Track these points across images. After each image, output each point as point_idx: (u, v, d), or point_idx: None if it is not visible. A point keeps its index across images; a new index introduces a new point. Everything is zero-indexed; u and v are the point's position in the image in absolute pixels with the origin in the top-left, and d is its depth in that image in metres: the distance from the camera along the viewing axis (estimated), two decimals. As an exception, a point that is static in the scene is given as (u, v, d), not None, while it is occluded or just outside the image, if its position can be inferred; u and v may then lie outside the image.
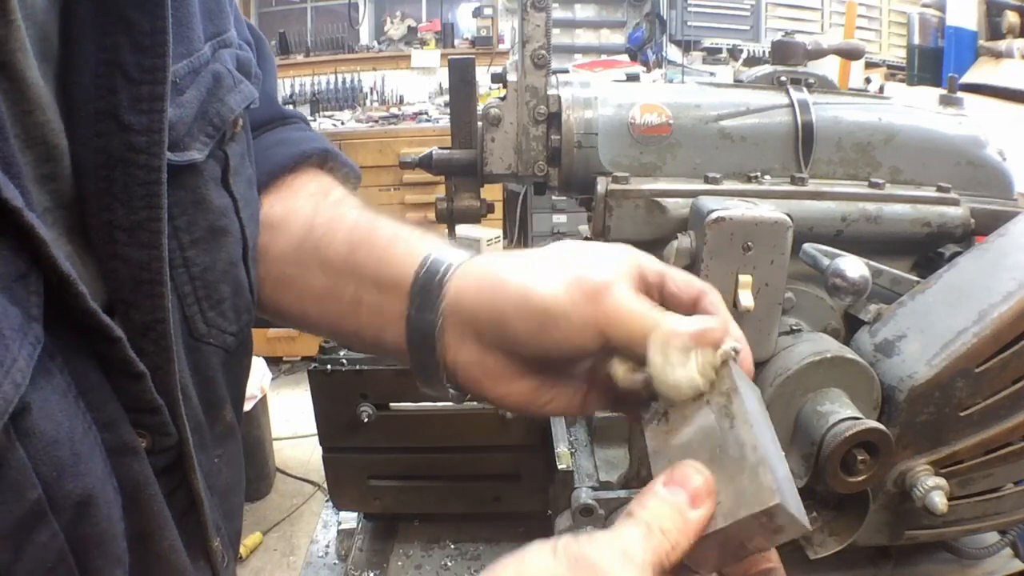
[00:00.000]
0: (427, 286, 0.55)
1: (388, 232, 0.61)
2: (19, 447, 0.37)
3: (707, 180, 0.82)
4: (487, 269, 0.55)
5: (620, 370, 0.51)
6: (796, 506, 0.42)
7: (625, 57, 4.56)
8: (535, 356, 0.54)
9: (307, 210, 0.65)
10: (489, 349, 0.55)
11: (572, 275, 0.51)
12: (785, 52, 0.92)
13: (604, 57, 4.49)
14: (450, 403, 1.04)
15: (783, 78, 0.89)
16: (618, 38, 4.81)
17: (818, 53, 0.96)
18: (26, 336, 0.36)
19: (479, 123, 0.89)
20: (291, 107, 4.75)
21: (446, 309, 0.55)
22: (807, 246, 0.78)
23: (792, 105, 0.86)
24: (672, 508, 0.42)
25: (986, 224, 0.83)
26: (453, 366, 0.56)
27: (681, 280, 0.52)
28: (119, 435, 0.45)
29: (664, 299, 0.52)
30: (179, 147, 0.49)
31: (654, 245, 0.81)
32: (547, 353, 0.53)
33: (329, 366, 1.01)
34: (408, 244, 0.59)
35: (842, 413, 0.69)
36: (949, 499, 0.71)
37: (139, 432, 0.47)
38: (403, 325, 0.57)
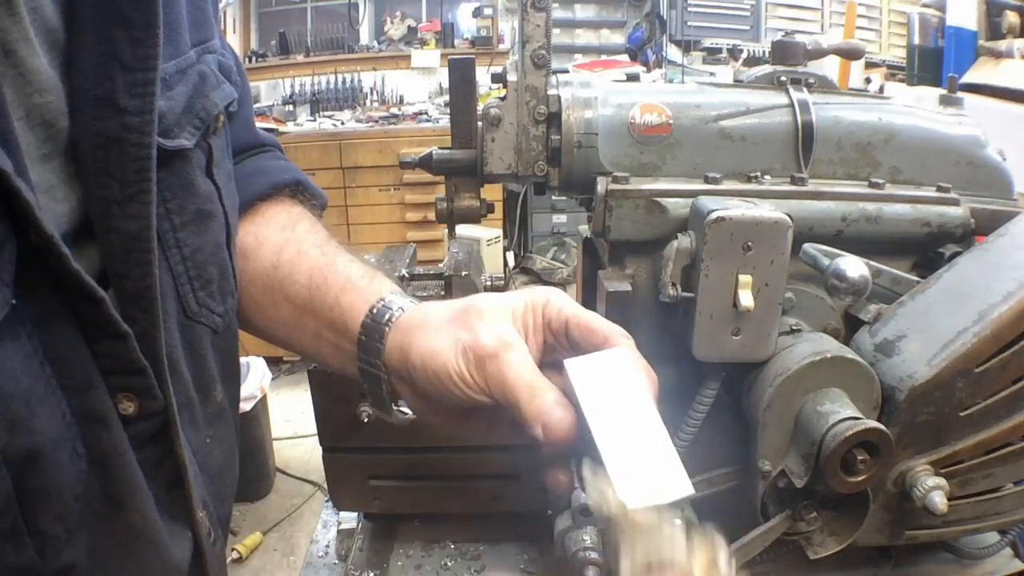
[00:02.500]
0: (369, 343, 0.62)
1: (340, 279, 0.67)
2: None
3: (707, 180, 0.82)
4: (405, 331, 0.60)
5: None
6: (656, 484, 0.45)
7: (625, 57, 4.55)
8: (447, 405, 0.59)
9: (276, 243, 0.72)
10: (419, 395, 0.60)
11: (464, 342, 0.55)
12: (785, 52, 0.92)
13: (604, 57, 4.49)
14: (450, 403, 1.04)
15: (783, 78, 0.89)
16: (618, 38, 4.81)
17: (818, 53, 0.96)
18: None
19: (479, 123, 0.89)
20: (298, 105, 4.67)
21: (385, 360, 0.61)
22: (807, 246, 0.78)
23: (792, 105, 0.86)
24: None
25: (986, 224, 0.83)
26: (402, 398, 0.63)
27: (581, 329, 0.55)
28: (88, 403, 0.48)
29: (571, 344, 0.56)
30: (170, 135, 0.54)
31: (654, 245, 0.81)
32: (454, 404, 0.57)
33: (329, 366, 1.01)
34: (355, 294, 0.65)
35: (842, 413, 0.69)
36: (949, 499, 0.71)
37: (125, 396, 0.50)
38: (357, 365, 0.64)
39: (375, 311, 0.62)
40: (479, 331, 0.54)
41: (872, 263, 0.76)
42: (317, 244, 0.72)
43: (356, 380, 0.65)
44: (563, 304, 0.56)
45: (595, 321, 0.55)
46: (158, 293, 0.51)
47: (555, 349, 0.57)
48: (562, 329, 0.56)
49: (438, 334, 0.57)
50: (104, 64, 0.48)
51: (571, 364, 0.52)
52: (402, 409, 0.65)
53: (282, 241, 0.72)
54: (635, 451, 0.46)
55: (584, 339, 0.55)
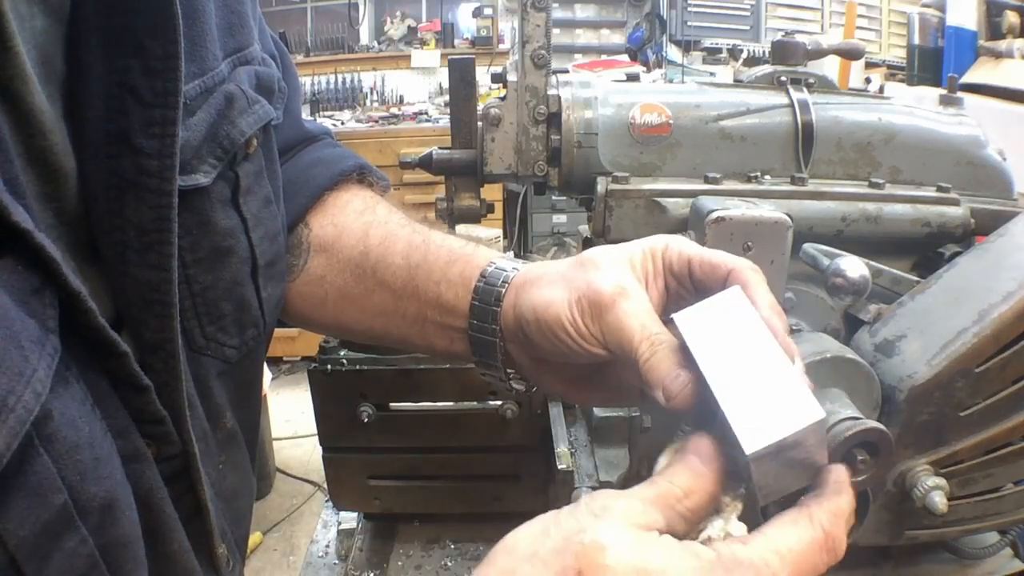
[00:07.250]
0: (482, 311, 0.60)
1: (443, 253, 0.64)
2: (43, 452, 0.37)
3: (707, 180, 0.82)
4: (517, 290, 0.59)
5: None
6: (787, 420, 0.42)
7: (625, 57, 4.55)
8: (560, 362, 0.57)
9: (358, 230, 0.69)
10: (535, 358, 0.59)
11: (580, 291, 0.52)
12: (785, 52, 0.92)
13: (604, 57, 4.49)
14: (450, 403, 1.04)
15: (783, 78, 0.89)
16: (618, 38, 4.81)
17: (818, 53, 0.96)
18: (44, 347, 0.37)
19: (479, 123, 0.89)
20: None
21: (500, 329, 0.59)
22: (807, 246, 0.78)
23: (792, 105, 0.86)
24: (683, 465, 0.43)
25: (986, 224, 0.83)
26: (517, 367, 0.61)
27: (704, 268, 0.51)
28: (131, 442, 0.46)
29: (695, 286, 0.52)
30: (185, 170, 0.50)
31: (654, 245, 0.81)
32: (568, 360, 0.55)
33: (329, 366, 1.01)
34: (462, 264, 0.63)
35: (842, 413, 0.69)
36: (949, 499, 0.71)
37: (146, 441, 0.48)
38: (467, 339, 0.61)
39: (488, 274, 0.60)
40: (594, 279, 0.52)
41: (872, 263, 0.76)
42: (403, 224, 0.68)
43: (463, 358, 0.63)
44: (683, 246, 0.53)
45: (718, 256, 0.51)
46: (179, 346, 0.49)
47: (680, 296, 0.53)
48: (685, 271, 0.52)
49: (552, 286, 0.54)
50: (116, 96, 0.44)
51: (680, 318, 0.47)
52: (517, 381, 0.63)
53: (364, 226, 0.69)
54: (756, 395, 0.43)
55: (708, 278, 0.51)
